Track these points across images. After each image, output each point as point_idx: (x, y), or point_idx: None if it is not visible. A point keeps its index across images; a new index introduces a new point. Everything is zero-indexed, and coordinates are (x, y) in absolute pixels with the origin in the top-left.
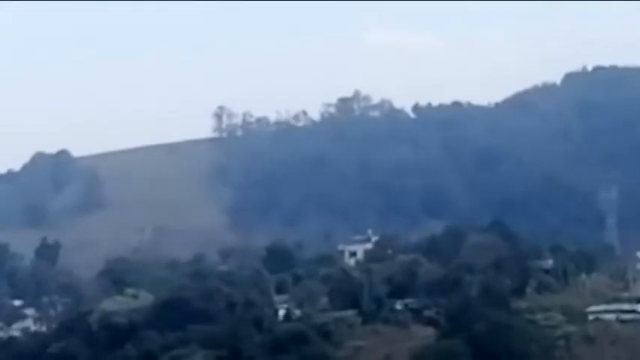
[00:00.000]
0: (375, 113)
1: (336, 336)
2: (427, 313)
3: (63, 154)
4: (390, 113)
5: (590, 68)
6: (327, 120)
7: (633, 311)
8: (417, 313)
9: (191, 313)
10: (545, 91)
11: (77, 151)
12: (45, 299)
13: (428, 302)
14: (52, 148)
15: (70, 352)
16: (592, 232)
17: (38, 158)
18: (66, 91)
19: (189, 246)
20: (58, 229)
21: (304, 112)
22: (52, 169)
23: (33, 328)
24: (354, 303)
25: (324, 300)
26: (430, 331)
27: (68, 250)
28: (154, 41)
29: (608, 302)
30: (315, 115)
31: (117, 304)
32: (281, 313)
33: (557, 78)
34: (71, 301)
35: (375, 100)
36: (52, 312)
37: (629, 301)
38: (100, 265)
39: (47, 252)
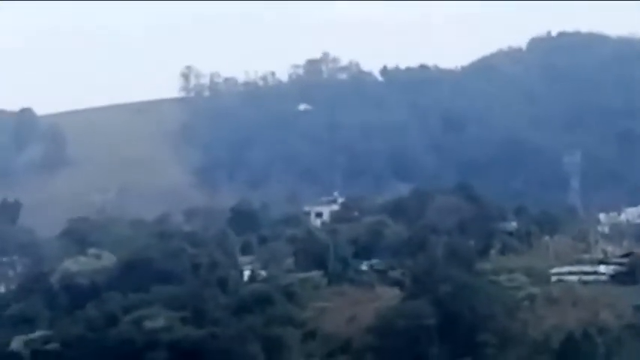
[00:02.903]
0: (343, 76)
1: (301, 297)
2: (392, 274)
3: (26, 112)
4: (358, 76)
5: (554, 34)
6: (295, 82)
7: (595, 272)
8: (382, 274)
9: (155, 273)
10: (510, 55)
11: (41, 110)
12: (4, 259)
13: (393, 263)
14: (14, 106)
15: (29, 313)
16: (556, 194)
17: (1, 116)
18: (30, 49)
19: (154, 206)
20: (21, 188)
21: (272, 74)
22: (15, 127)
23: None
24: (320, 264)
25: (289, 261)
26: (395, 292)
27: (30, 209)
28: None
29: (570, 264)
30: (283, 76)
31: (79, 265)
32: (246, 274)
33: (522, 43)
34: (31, 261)
35: (343, 62)
36: (10, 272)
37: (591, 262)
38: (62, 224)
39: (7, 211)
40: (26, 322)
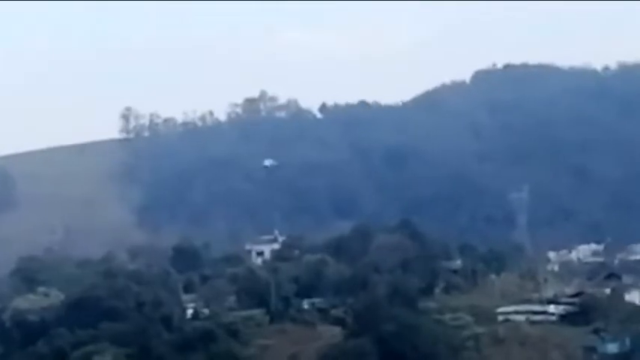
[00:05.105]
0: (282, 113)
1: (244, 335)
2: (334, 312)
3: None
4: (297, 113)
5: (500, 66)
6: (234, 120)
7: (544, 312)
8: (324, 313)
9: (101, 311)
10: (454, 89)
11: None
12: None
13: (335, 302)
14: None
15: None
16: (502, 231)
17: None
18: None
19: (98, 245)
20: None
21: (211, 113)
22: None
23: None
24: (262, 302)
25: (231, 299)
26: (337, 331)
27: None
28: (61, 42)
29: (518, 303)
30: (221, 115)
31: (29, 303)
32: (189, 312)
33: (466, 76)
34: None
35: (282, 100)
36: None
37: (540, 301)
38: (12, 263)
39: None
40: None
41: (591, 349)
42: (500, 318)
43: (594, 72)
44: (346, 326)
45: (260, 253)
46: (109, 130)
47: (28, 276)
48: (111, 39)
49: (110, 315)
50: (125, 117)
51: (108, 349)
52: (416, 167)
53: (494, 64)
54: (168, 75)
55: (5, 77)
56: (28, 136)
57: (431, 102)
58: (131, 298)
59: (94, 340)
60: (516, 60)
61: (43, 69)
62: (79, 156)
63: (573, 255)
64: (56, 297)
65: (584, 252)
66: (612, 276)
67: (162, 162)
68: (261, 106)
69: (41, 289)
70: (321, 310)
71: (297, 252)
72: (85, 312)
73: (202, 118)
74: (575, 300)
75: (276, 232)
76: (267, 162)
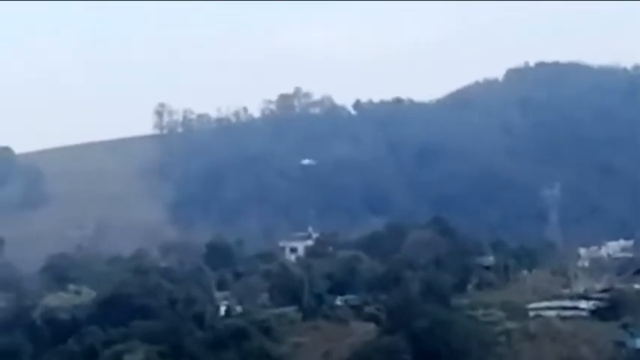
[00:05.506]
0: (316, 110)
1: (277, 332)
2: (368, 309)
3: (5, 151)
4: (331, 110)
5: (532, 64)
6: (268, 117)
7: (575, 308)
8: (357, 310)
9: (133, 308)
10: (487, 87)
11: (20, 148)
12: None
13: (368, 298)
14: None
15: (13, 347)
16: (533, 228)
17: None
18: (8, 89)
19: (130, 242)
20: (1, 224)
21: (245, 109)
22: None
23: None
24: (295, 299)
25: (264, 296)
26: (371, 328)
27: (11, 245)
28: (94, 39)
29: (549, 299)
30: (255, 111)
31: (60, 300)
32: (222, 309)
33: (499, 74)
34: (14, 297)
35: (316, 96)
36: None
37: (571, 297)
38: (42, 260)
39: None
40: (10, 356)
41: (620, 344)
42: (532, 314)
43: (624, 70)
44: (379, 323)
45: (293, 250)
46: (143, 126)
47: (58, 273)
48: (146, 36)
49: (142, 313)
50: (159, 113)
51: (139, 347)
52: (448, 164)
53: (526, 63)
54: (203, 71)
55: (37, 75)
56: (60, 133)
57: (464, 100)
58: (163, 296)
59: (125, 338)
60: (548, 58)
61: (76, 66)
62: (111, 152)
63: (603, 251)
64: (87, 294)
65: (613, 248)
66: None
67: (196, 158)
68: (295, 103)
69: (72, 286)
70: (354, 307)
71: (330, 248)
72: (117, 310)
73: (236, 115)
74: (605, 295)
75: (310, 228)
76: (306, 161)
